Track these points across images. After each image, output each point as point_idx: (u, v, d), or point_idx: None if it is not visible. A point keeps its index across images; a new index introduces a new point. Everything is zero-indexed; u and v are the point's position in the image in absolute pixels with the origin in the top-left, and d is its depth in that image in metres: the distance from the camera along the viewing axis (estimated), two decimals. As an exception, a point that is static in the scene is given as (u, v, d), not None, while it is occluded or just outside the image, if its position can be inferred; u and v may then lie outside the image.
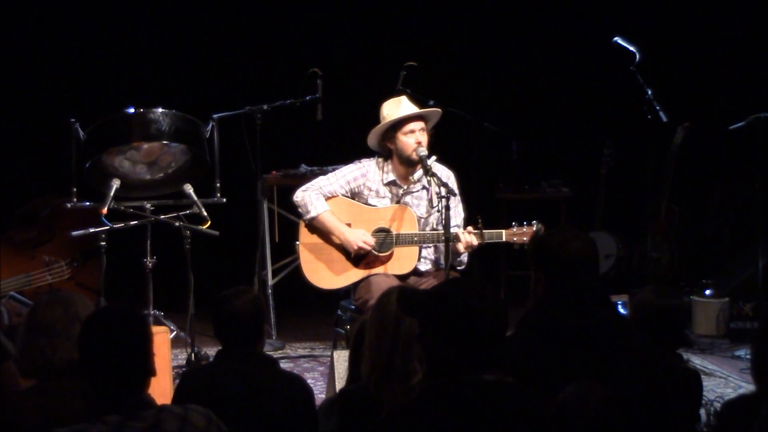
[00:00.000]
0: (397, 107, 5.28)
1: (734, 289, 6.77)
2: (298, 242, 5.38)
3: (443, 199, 4.86)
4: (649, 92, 6.02)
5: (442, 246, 5.05)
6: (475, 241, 5.09)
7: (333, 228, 5.26)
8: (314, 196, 5.28)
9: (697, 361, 5.86)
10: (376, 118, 5.36)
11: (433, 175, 5.02)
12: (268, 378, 3.42)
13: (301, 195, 5.32)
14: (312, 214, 5.27)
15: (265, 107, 6.33)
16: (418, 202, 5.31)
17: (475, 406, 2.71)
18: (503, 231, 5.16)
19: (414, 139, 5.18)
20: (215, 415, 2.86)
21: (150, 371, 2.87)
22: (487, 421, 2.70)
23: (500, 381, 2.76)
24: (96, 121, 5.69)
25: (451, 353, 2.75)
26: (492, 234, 5.14)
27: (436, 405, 2.73)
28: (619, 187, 7.68)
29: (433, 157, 5.21)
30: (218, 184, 5.96)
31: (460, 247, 5.09)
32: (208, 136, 5.86)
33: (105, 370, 2.81)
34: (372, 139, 5.31)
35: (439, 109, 5.31)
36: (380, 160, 5.35)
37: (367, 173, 5.33)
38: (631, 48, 6.07)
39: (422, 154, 5.12)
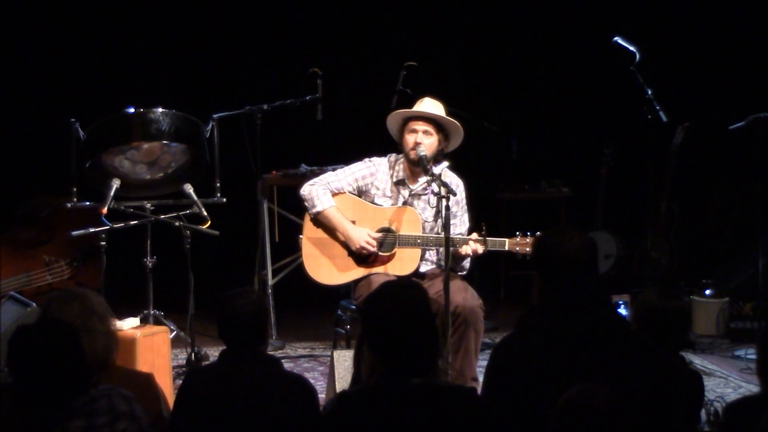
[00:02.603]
0: (417, 106, 5.27)
1: (734, 289, 6.77)
2: (301, 236, 5.38)
3: (443, 200, 4.84)
4: (649, 92, 6.02)
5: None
6: (480, 249, 5.08)
7: (337, 224, 5.26)
8: (321, 191, 5.28)
9: (697, 361, 5.86)
10: (375, 118, 5.36)
11: (433, 175, 5.00)
12: (271, 378, 3.41)
13: (308, 189, 5.32)
14: (318, 208, 5.27)
15: (265, 107, 6.32)
16: (424, 206, 5.29)
17: (400, 408, 2.83)
18: (506, 240, 5.12)
19: (414, 139, 5.16)
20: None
21: (87, 370, 3.00)
22: (412, 422, 2.82)
23: (427, 384, 2.88)
24: (96, 121, 5.69)
25: (382, 359, 2.93)
26: (495, 242, 5.11)
27: (363, 409, 2.86)
28: (619, 187, 7.68)
29: (445, 163, 5.19)
30: (218, 184, 5.97)
31: (464, 250, 5.07)
32: (208, 136, 5.87)
33: (50, 381, 2.91)
34: (389, 128, 5.31)
35: (455, 121, 5.21)
36: (392, 158, 5.34)
37: (376, 172, 5.32)
38: (631, 48, 6.07)
39: (421, 154, 5.10)
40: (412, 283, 3.30)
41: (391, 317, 2.93)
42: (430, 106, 5.23)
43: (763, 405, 2.93)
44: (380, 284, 3.16)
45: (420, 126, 5.17)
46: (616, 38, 6.12)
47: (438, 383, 2.93)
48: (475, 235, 5.11)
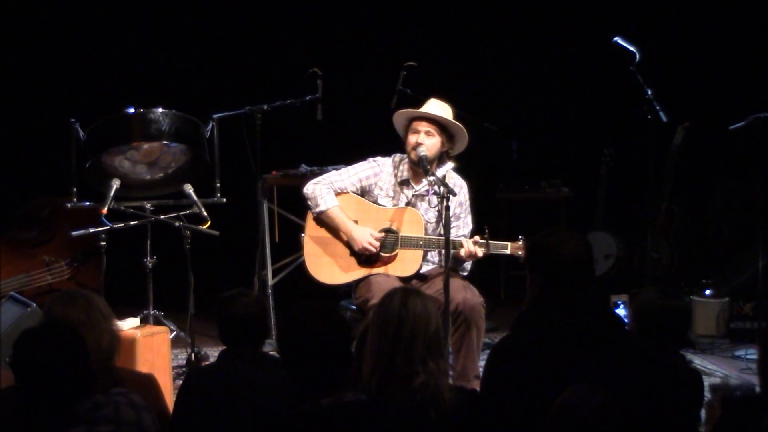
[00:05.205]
0: (423, 106, 5.26)
1: (734, 289, 6.77)
2: (303, 234, 5.37)
3: (443, 199, 4.84)
4: (649, 92, 6.02)
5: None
6: (479, 252, 5.06)
7: (340, 224, 5.26)
8: (325, 190, 5.28)
9: (697, 361, 5.86)
10: (375, 118, 5.35)
11: (433, 175, 5.00)
12: (272, 378, 3.41)
13: (312, 188, 5.32)
14: (321, 207, 5.27)
15: (265, 107, 6.32)
16: (427, 207, 5.29)
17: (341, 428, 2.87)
18: (509, 243, 5.11)
19: (415, 139, 5.16)
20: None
21: (91, 373, 2.97)
22: None
23: (357, 400, 2.93)
24: (96, 121, 5.69)
25: (307, 377, 2.99)
26: (497, 245, 5.11)
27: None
28: (619, 187, 7.68)
29: (450, 165, 5.19)
30: (218, 184, 5.96)
31: (463, 253, 5.07)
32: (208, 136, 5.87)
33: (55, 385, 2.88)
34: (396, 127, 5.30)
35: (458, 124, 5.19)
36: (397, 158, 5.34)
37: (380, 173, 5.31)
38: (631, 48, 6.07)
39: (421, 154, 5.09)
40: (327, 309, 3.32)
41: (303, 338, 3.01)
42: (435, 107, 5.22)
43: (762, 405, 2.93)
44: (298, 306, 3.15)
45: (422, 127, 5.17)
46: (616, 38, 6.13)
47: (363, 398, 2.94)
48: (477, 238, 5.11)
